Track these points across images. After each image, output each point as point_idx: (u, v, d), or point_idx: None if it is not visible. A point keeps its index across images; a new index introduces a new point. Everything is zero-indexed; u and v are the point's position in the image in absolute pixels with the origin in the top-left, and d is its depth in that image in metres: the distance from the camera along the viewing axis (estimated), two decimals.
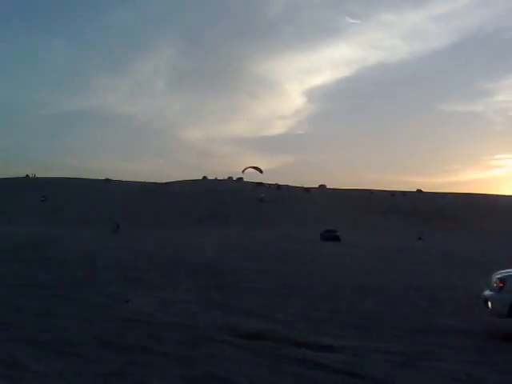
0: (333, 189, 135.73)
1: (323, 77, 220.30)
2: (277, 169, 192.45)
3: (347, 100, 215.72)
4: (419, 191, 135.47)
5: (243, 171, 70.42)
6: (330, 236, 51.10)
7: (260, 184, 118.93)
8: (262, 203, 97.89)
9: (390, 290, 13.51)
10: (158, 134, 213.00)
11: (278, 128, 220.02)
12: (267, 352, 6.23)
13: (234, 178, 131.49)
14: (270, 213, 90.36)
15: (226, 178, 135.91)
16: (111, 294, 10.76)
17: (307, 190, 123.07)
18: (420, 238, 63.71)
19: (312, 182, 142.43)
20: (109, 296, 10.53)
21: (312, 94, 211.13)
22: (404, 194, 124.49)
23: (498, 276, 8.02)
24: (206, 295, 11.35)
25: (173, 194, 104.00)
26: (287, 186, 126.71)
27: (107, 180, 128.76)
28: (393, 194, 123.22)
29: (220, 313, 9.03)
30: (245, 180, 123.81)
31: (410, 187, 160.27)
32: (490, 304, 7.98)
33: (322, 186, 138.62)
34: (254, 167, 69.93)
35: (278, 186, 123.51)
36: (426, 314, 9.96)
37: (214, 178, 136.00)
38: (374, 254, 31.15)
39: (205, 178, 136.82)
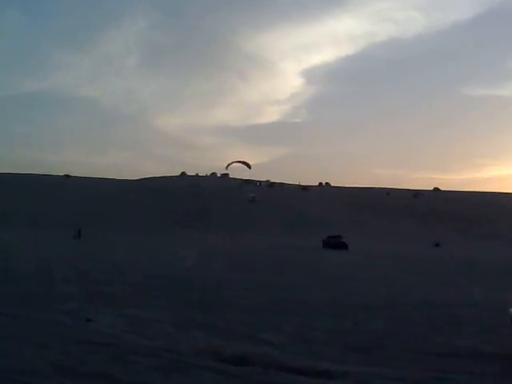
0: (335, 187, 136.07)
1: (324, 54, 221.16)
2: (269, 163, 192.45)
3: (353, 82, 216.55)
4: (436, 190, 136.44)
5: (227, 166, 70.41)
6: (335, 243, 50.87)
7: (248, 181, 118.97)
8: (251, 204, 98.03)
9: (401, 306, 13.61)
10: (128, 122, 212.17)
11: (271, 115, 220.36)
12: (255, 379, 6.26)
13: (219, 175, 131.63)
14: (260, 215, 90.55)
15: (208, 173, 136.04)
16: (71, 312, 10.73)
17: (305, 188, 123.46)
18: (437, 245, 64.27)
19: (311, 180, 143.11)
20: (68, 314, 10.50)
21: (311, 75, 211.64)
22: (419, 193, 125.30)
23: None
24: (185, 313, 11.35)
25: (146, 192, 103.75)
26: (281, 184, 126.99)
27: (67, 176, 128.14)
28: (407, 192, 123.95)
29: (201, 334, 9.04)
30: (231, 177, 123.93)
31: (427, 185, 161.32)
32: None
33: (327, 184, 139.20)
34: (241, 161, 69.95)
35: (271, 184, 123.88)
36: (442, 334, 10.05)
37: (194, 173, 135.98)
38: (382, 264, 31.34)
39: (184, 174, 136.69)
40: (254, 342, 8.54)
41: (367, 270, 26.87)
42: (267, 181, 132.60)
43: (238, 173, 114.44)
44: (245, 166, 70.14)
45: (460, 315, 12.42)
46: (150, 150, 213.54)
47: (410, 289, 18.55)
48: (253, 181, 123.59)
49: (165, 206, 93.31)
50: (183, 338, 8.71)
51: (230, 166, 70.36)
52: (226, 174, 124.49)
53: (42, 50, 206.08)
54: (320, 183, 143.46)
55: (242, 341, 8.63)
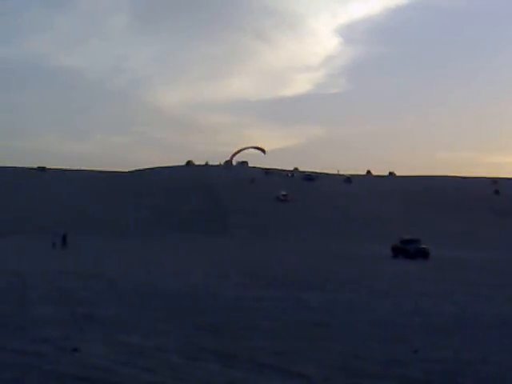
0: (389, 176, 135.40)
1: (368, 5, 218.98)
2: (299, 147, 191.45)
3: (405, 40, 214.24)
4: None
5: (234, 155, 69.25)
6: (406, 250, 48.73)
7: (270, 171, 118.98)
8: (280, 203, 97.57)
9: (477, 327, 13.48)
10: (118, 98, 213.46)
11: (301, 85, 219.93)
12: None
13: (234, 163, 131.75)
14: (292, 215, 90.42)
15: (221, 162, 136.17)
16: (51, 340, 10.85)
17: (349, 179, 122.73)
18: None
19: (355, 167, 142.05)
20: (47, 342, 10.62)
21: (351, 33, 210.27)
22: (497, 181, 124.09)
23: None
24: (195, 339, 11.40)
25: (142, 188, 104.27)
26: (316, 174, 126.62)
27: (42, 168, 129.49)
28: (480, 182, 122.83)
29: (216, 366, 9.07)
30: (250, 166, 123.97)
31: (506, 171, 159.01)
32: None
33: (391, 174, 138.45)
34: (253, 147, 69.26)
35: (309, 176, 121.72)
36: None
37: (203, 163, 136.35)
38: (453, 276, 31.11)
39: (190, 163, 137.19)
40: (285, 377, 8.54)
41: (428, 281, 26.69)
42: (295, 169, 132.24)
43: (259, 160, 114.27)
44: (259, 151, 69.33)
45: None
46: (146, 133, 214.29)
47: (488, 305, 18.38)
48: (276, 170, 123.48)
49: (166, 204, 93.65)
50: (194, 370, 8.75)
51: (240, 153, 69.50)
52: (245, 162, 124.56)
53: (9, 9, 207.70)
54: (368, 171, 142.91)
55: (270, 374, 8.64)
